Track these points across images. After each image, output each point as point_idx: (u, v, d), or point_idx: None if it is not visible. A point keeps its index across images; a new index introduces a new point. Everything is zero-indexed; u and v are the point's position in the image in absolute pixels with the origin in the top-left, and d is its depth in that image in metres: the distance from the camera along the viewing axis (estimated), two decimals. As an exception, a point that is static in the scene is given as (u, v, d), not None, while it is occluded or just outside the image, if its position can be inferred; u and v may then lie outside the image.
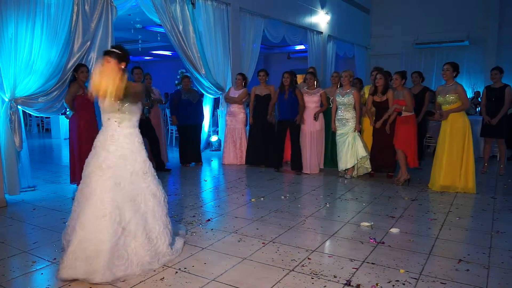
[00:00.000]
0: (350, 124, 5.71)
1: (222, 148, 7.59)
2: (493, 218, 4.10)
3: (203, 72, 7.39)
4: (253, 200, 4.77)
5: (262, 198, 4.82)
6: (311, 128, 6.24)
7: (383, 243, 3.42)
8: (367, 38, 13.77)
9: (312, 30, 10.49)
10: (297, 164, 6.30)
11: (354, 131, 5.74)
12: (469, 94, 11.75)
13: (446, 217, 4.12)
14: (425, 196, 4.92)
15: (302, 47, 12.32)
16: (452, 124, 4.95)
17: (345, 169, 5.86)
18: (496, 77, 6.04)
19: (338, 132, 5.84)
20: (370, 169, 5.87)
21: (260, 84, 6.82)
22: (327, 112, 6.34)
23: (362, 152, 5.72)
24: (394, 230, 3.70)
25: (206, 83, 7.41)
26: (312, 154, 6.25)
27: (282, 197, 4.89)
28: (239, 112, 7.06)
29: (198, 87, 7.75)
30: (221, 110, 7.87)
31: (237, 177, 6.02)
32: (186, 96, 6.79)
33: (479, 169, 6.51)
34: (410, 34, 13.04)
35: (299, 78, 7.02)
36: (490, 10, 12.02)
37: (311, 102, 6.24)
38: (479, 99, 10.31)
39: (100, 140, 2.94)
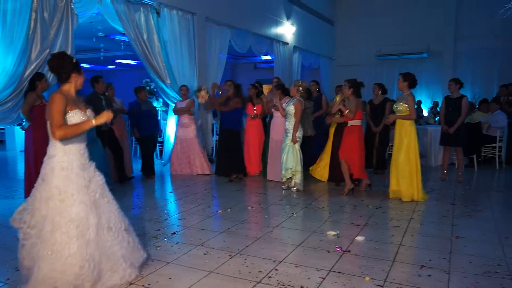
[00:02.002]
0: (289, 135, 5.77)
1: (169, 158, 7.57)
2: (452, 224, 4.24)
3: (169, 82, 7.32)
4: (219, 211, 4.73)
5: (229, 209, 4.80)
6: (277, 137, 6.36)
7: (349, 251, 3.46)
8: (331, 49, 14.13)
9: (278, 41, 10.64)
10: (235, 168, 6.53)
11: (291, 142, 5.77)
12: (428, 104, 12.26)
13: (408, 224, 4.21)
14: (388, 204, 5.04)
15: (268, 57, 12.45)
16: (400, 132, 5.14)
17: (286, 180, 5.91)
18: (453, 88, 6.32)
19: (284, 142, 5.92)
20: (296, 186, 5.79)
21: (226, 93, 6.85)
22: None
23: (289, 163, 5.73)
24: (359, 238, 3.75)
25: (171, 93, 7.35)
26: (277, 162, 6.34)
27: (249, 207, 4.89)
28: (190, 124, 7.07)
29: (163, 97, 7.67)
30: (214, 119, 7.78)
31: (204, 189, 6.00)
32: (146, 107, 6.75)
33: (439, 177, 6.79)
34: (373, 46, 13.50)
35: (266, 89, 7.08)
36: (447, 24, 12.63)
37: (277, 112, 6.34)
38: (438, 108, 10.76)
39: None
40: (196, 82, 7.81)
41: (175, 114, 7.29)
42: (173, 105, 7.29)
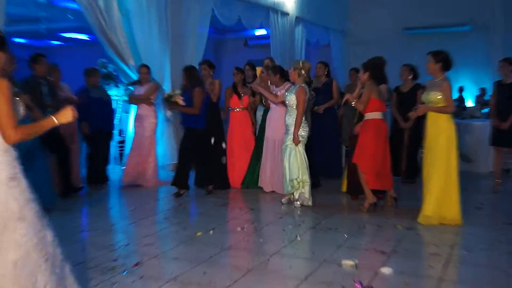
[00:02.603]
0: (290, 132, 5.75)
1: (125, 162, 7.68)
2: (509, 251, 4.18)
3: (132, 63, 7.33)
4: (198, 234, 4.68)
5: (211, 231, 4.75)
6: (275, 136, 6.31)
7: (372, 287, 3.39)
8: (344, 21, 14.03)
9: (276, 10, 10.57)
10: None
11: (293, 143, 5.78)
12: (474, 92, 12.21)
13: (450, 251, 4.18)
14: (422, 224, 4.99)
15: (263, 32, 12.37)
16: (433, 131, 5.01)
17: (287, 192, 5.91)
18: (505, 70, 6.30)
19: (284, 142, 5.90)
20: (308, 201, 5.81)
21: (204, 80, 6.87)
22: (264, 117, 6.75)
23: (294, 172, 5.72)
24: (385, 270, 3.69)
25: (136, 77, 7.35)
26: (276, 168, 6.36)
27: (239, 228, 4.86)
28: (148, 116, 7.09)
29: (124, 81, 7.63)
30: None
31: (178, 204, 6.02)
32: (96, 94, 6.79)
33: (489, 187, 6.74)
34: (398, 18, 13.39)
35: (259, 71, 7.10)
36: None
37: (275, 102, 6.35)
38: (486, 97, 10.70)
39: None
40: (168, 64, 7.83)
41: (130, 103, 7.38)
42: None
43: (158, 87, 7.19)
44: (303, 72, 5.78)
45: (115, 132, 8.04)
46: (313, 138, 6.59)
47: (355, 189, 5.93)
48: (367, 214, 5.41)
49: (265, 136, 6.55)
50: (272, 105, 6.42)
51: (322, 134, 7.37)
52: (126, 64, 7.31)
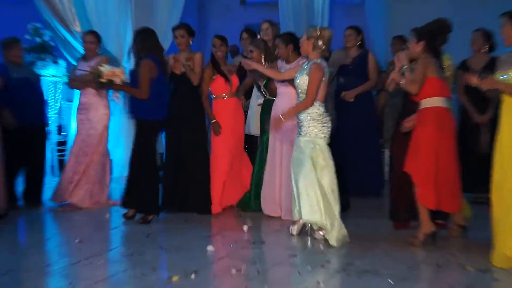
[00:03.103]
0: (305, 129, 5.66)
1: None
2: None
3: (78, 30, 7.45)
4: (174, 279, 4.64)
5: (192, 275, 4.70)
6: (284, 136, 6.33)
7: None
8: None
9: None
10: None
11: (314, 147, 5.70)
12: None
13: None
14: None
15: (268, -16, 12.38)
16: (509, 122, 4.94)
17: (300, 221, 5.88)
18: None
19: (295, 145, 5.85)
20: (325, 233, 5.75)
21: (179, 53, 6.92)
22: (268, 110, 6.82)
23: (306, 213, 5.63)
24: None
25: (83, 50, 7.43)
26: (286, 185, 6.36)
27: (233, 270, 4.81)
28: (95, 105, 7.22)
29: (68, 57, 7.63)
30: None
31: (143, 233, 6.05)
32: (19, 74, 6.89)
33: None
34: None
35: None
36: None
37: (285, 85, 6.34)
38: None
39: None
40: (130, 31, 7.90)
41: (71, 87, 7.49)
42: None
43: (109, 63, 7.18)
44: (320, 42, 5.68)
45: (53, 129, 8.02)
46: (339, 139, 6.54)
47: (403, 213, 5.94)
48: (421, 249, 5.37)
49: (270, 137, 6.60)
50: (280, 91, 6.46)
51: (353, 133, 7.34)
52: (69, 30, 7.32)
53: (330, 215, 5.56)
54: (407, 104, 5.84)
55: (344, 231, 5.64)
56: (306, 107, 5.62)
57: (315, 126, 5.60)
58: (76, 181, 7.13)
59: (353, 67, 7.55)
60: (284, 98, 6.37)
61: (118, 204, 6.79)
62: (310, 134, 5.65)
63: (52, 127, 8.18)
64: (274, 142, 6.55)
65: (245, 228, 6.08)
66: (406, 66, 5.57)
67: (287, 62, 6.45)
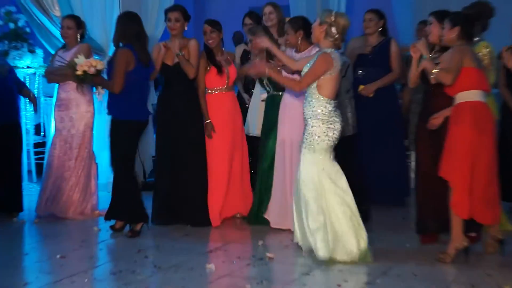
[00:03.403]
0: (309, 129, 5.63)
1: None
2: None
3: (58, 14, 7.51)
4: None
5: None
6: (295, 136, 6.31)
7: None
8: None
9: None
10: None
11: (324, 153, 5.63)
12: None
13: None
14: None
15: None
16: None
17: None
18: None
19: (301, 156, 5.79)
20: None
21: (171, 39, 6.94)
22: (273, 107, 6.85)
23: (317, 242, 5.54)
24: None
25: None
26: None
27: None
28: (76, 101, 7.22)
29: (47, 46, 7.65)
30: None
31: (134, 248, 6.07)
32: None
33: None
34: None
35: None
36: None
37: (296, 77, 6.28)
38: None
39: None
40: (113, 17, 7.84)
41: (49, 82, 7.52)
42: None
43: (91, 52, 7.22)
44: (333, 30, 5.61)
45: (29, 128, 8.02)
46: (358, 141, 6.57)
47: (431, 224, 5.92)
48: (452, 267, 5.37)
49: (278, 137, 6.60)
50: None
51: (374, 133, 7.30)
52: (47, 15, 7.32)
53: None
54: (430, 98, 5.85)
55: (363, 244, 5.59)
56: (291, 88, 5.75)
57: (319, 127, 5.53)
58: (57, 189, 7.14)
59: (373, 57, 7.46)
60: (294, 92, 6.29)
61: (103, 214, 6.84)
62: (312, 139, 5.57)
63: (29, 126, 8.14)
64: (284, 144, 6.52)
65: (260, 243, 6.07)
66: (425, 57, 5.53)
67: (298, 50, 6.43)
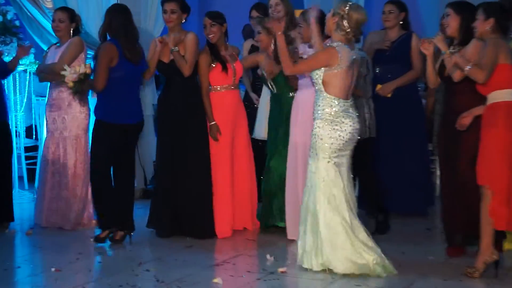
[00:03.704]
0: (314, 130, 5.64)
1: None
2: None
3: (49, 6, 7.61)
4: None
5: None
6: (306, 138, 6.29)
7: None
8: None
9: None
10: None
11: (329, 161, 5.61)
12: None
13: None
14: None
15: None
16: None
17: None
18: None
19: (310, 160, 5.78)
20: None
21: (168, 34, 6.93)
22: (276, 108, 7.02)
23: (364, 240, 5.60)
24: None
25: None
26: None
27: None
28: (70, 101, 7.18)
29: (38, 41, 7.68)
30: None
31: (135, 261, 6.06)
32: None
33: None
34: None
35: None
36: None
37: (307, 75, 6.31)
38: None
39: None
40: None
41: (40, 80, 7.51)
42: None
43: (83, 46, 7.24)
44: (344, 23, 5.60)
45: (20, 130, 8.02)
46: (375, 145, 6.65)
47: (458, 236, 5.94)
48: (480, 281, 5.34)
49: (290, 140, 6.63)
50: (301, 82, 6.47)
51: (394, 137, 7.26)
52: (38, 7, 7.34)
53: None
54: (451, 98, 5.85)
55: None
56: (284, 66, 5.70)
57: (323, 128, 5.52)
58: (55, 197, 7.14)
59: (391, 53, 7.37)
60: (307, 92, 6.31)
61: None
62: (315, 142, 5.59)
63: (20, 128, 8.13)
64: (297, 148, 6.54)
65: (268, 257, 6.03)
66: (444, 52, 5.48)
67: (311, 46, 6.30)
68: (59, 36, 7.19)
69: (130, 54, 6.40)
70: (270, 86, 6.93)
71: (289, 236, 6.63)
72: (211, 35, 6.85)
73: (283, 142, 6.82)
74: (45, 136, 7.47)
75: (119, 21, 6.45)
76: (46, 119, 7.39)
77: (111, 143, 6.55)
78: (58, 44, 7.27)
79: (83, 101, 7.22)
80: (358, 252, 5.43)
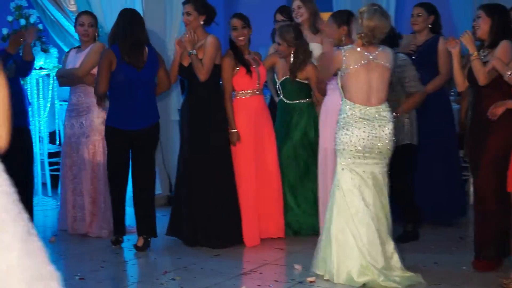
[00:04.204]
0: (340, 142, 5.59)
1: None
2: None
3: (73, 9, 7.59)
4: None
5: None
6: (326, 143, 6.41)
7: None
8: None
9: None
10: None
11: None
12: None
13: None
14: None
15: None
16: None
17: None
18: None
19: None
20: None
21: (185, 33, 6.84)
22: (283, 114, 7.19)
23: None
24: None
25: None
26: None
27: None
28: (89, 106, 7.19)
29: (61, 44, 7.70)
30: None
31: (160, 270, 6.10)
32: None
33: None
34: None
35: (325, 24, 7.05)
36: None
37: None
38: None
39: None
40: (142, 9, 7.88)
41: (60, 85, 7.58)
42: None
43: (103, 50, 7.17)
44: (359, 27, 5.61)
45: (43, 135, 8.03)
46: (414, 153, 6.63)
47: (489, 249, 5.86)
48: None
49: (320, 145, 6.64)
50: (331, 87, 6.42)
51: (424, 143, 7.20)
52: (62, 10, 7.35)
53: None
54: (479, 103, 5.76)
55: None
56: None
57: (336, 132, 5.57)
58: (78, 204, 7.18)
59: (417, 57, 7.20)
60: (335, 96, 6.23)
61: (133, 232, 6.86)
62: (336, 149, 5.63)
63: (43, 133, 8.14)
64: (326, 154, 6.53)
65: (296, 266, 6.00)
66: (473, 54, 5.46)
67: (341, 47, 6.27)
68: (85, 41, 7.18)
69: (129, 59, 6.39)
70: (277, 91, 7.00)
71: None
72: (241, 37, 6.80)
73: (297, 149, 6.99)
74: (64, 141, 7.50)
75: (119, 26, 6.52)
76: (64, 124, 7.44)
77: (115, 147, 6.63)
78: (79, 48, 7.30)
79: (102, 106, 7.16)
80: (363, 268, 5.41)
